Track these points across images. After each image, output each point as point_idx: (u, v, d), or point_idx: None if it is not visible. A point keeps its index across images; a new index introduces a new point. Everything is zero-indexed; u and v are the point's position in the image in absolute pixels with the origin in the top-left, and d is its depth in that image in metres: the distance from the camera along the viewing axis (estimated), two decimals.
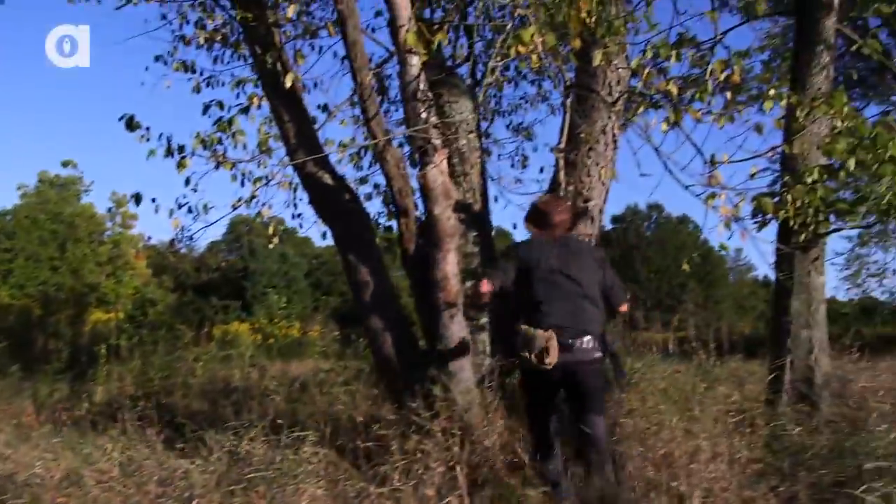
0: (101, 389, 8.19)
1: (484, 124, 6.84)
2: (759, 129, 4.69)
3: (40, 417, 7.19)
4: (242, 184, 5.76)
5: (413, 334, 5.20)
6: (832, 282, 33.40)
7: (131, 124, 5.06)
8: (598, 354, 3.96)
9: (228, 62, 6.38)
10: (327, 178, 5.35)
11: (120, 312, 22.07)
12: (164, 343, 10.77)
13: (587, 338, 3.91)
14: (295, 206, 6.31)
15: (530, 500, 3.84)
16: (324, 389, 6.36)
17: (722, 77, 4.44)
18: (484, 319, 5.17)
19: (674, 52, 4.50)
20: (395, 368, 4.87)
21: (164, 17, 6.31)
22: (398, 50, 4.66)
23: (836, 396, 5.65)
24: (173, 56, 6.31)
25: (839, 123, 5.01)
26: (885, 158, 4.82)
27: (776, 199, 5.22)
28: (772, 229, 5.81)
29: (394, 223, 5.88)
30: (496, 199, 5.95)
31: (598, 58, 4.43)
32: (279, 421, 4.60)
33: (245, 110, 5.59)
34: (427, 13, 6.11)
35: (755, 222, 5.29)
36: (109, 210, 25.29)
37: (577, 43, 4.23)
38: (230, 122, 5.38)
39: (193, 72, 6.30)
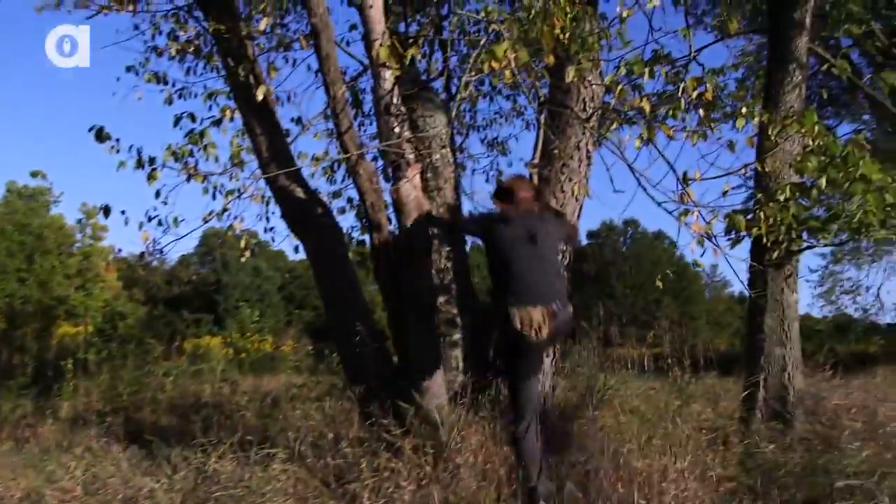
0: (67, 405, 8.07)
1: (458, 139, 6.89)
2: (731, 146, 4.74)
3: (2, 434, 7.07)
4: (214, 197, 5.75)
5: (386, 350, 5.18)
6: (806, 299, 33.77)
7: (101, 135, 5.01)
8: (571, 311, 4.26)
9: (201, 74, 6.36)
10: (300, 192, 5.33)
11: (89, 326, 21.76)
12: (133, 357, 10.61)
13: (560, 301, 4.15)
14: (267, 219, 6.30)
15: None
16: (295, 405, 6.32)
17: (695, 94, 4.49)
18: (457, 335, 5.16)
19: (647, 69, 4.55)
20: (367, 384, 4.85)
21: (136, 27, 6.28)
22: (372, 64, 4.66)
23: (810, 414, 5.70)
24: (145, 67, 6.27)
25: (811, 142, 5.08)
26: (856, 177, 4.90)
27: (749, 216, 5.27)
28: (745, 246, 5.87)
29: (367, 237, 5.88)
30: (471, 214, 5.93)
31: (571, 74, 4.47)
32: (249, 437, 4.57)
33: (217, 122, 5.58)
34: (402, 27, 6.14)
35: (728, 239, 5.35)
36: (79, 222, 24.91)
37: (550, 59, 4.26)
38: (202, 134, 5.35)
39: (165, 83, 6.27)
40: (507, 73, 4.04)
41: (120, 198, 5.28)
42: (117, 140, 5.07)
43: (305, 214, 5.34)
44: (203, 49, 6.19)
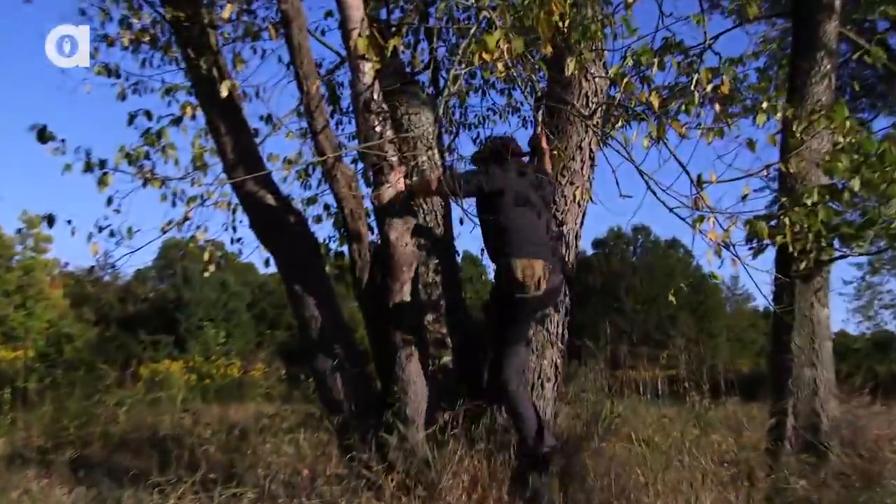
0: (3, 441, 8.02)
1: (447, 138, 6.90)
2: (751, 145, 4.74)
3: None
4: (174, 204, 5.76)
5: (367, 374, 5.19)
6: (840, 314, 33.88)
7: (43, 135, 5.00)
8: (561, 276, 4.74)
9: (158, 66, 6.36)
10: (270, 198, 5.35)
11: (30, 350, 21.66)
12: (81, 385, 10.59)
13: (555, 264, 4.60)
14: (234, 228, 6.31)
15: None
16: (266, 438, 6.31)
17: (710, 87, 4.51)
18: (447, 357, 5.18)
19: (656, 60, 4.58)
20: (346, 413, 4.86)
21: (83, 12, 6.27)
22: (349, 55, 4.70)
23: (846, 445, 5.65)
24: (94, 58, 6.27)
25: (841, 139, 5.07)
26: (894, 177, 4.89)
27: (772, 222, 5.24)
28: (769, 256, 5.88)
29: (345, 249, 5.89)
30: (461, 222, 5.96)
31: (571, 66, 4.50)
32: (213, 475, 4.56)
33: (177, 121, 5.59)
34: (383, 14, 6.16)
35: (749, 248, 5.36)
36: (19, 231, 24.91)
37: (548, 49, 4.29)
38: (159, 133, 5.36)
39: (118, 76, 6.27)
40: (500, 65, 4.08)
41: (66, 205, 5.29)
42: (62, 140, 5.06)
43: (277, 223, 5.36)
44: (160, 39, 6.20)
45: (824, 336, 5.93)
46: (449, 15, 6.18)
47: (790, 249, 5.42)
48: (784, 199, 5.39)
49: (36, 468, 5.30)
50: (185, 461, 5.91)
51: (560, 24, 4.20)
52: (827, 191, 5.32)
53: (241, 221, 6.24)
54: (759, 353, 35.96)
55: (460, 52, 4.43)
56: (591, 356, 6.04)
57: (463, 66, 4.63)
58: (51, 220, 5.13)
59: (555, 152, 5.28)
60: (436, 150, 5.37)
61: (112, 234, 5.34)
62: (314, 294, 5.18)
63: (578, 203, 5.37)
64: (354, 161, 5.81)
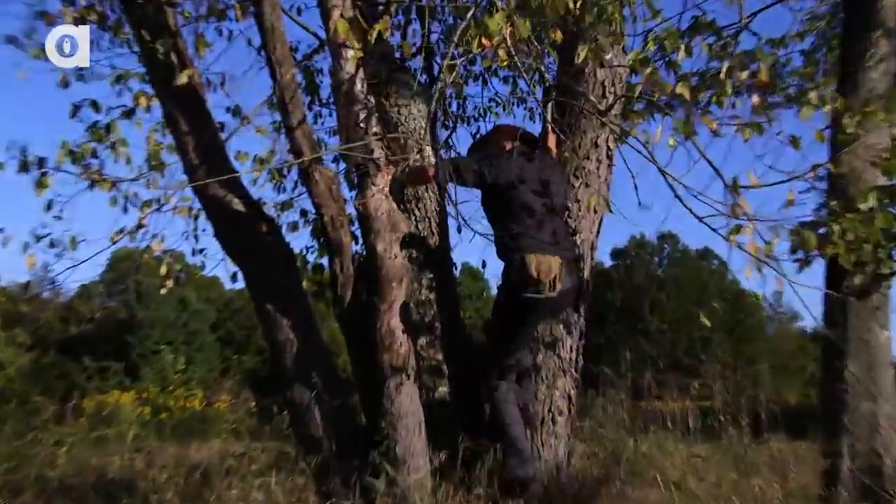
0: None
1: (443, 133, 6.95)
2: (795, 142, 4.71)
3: None
4: (126, 209, 5.77)
5: (350, 407, 5.22)
6: None
7: None
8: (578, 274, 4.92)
9: (107, 50, 6.38)
10: (238, 203, 5.37)
11: None
12: (13, 421, 10.60)
13: (572, 260, 4.81)
14: (196, 238, 6.34)
15: None
16: (232, 482, 6.31)
17: (745, 75, 4.50)
18: (443, 388, 5.22)
19: (683, 44, 4.60)
20: (326, 453, 4.88)
21: None
22: (329, 39, 4.73)
23: None
24: (31, 38, 6.28)
25: None
26: None
27: (821, 231, 5.21)
28: (818, 270, 5.84)
29: (325, 261, 5.93)
30: (459, 231, 6.02)
31: (582, 54, 4.50)
32: None
33: (129, 113, 5.62)
34: None
35: (795, 261, 5.35)
36: None
37: (557, 35, 4.33)
38: (109, 127, 5.39)
39: None
40: (502, 52, 4.12)
41: None
42: None
43: (245, 232, 5.39)
44: (109, 17, 6.23)
45: (884, 363, 5.89)
46: None
47: (843, 262, 5.37)
48: (834, 204, 5.33)
49: None
50: None
51: (571, 4, 4.23)
52: (885, 194, 5.27)
53: (203, 230, 6.28)
54: (808, 382, 35.84)
55: (456, 36, 4.46)
56: (610, 385, 6.07)
57: (460, 51, 4.67)
58: None
59: (566, 153, 5.33)
60: (429, 148, 5.41)
61: (52, 245, 5.36)
62: (289, 313, 5.20)
63: (595, 208, 5.40)
64: (336, 160, 5.86)
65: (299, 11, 6.75)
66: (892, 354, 6.01)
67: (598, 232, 5.58)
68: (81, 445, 9.69)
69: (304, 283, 5.94)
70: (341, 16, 4.57)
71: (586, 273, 5.36)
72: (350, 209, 5.10)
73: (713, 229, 4.57)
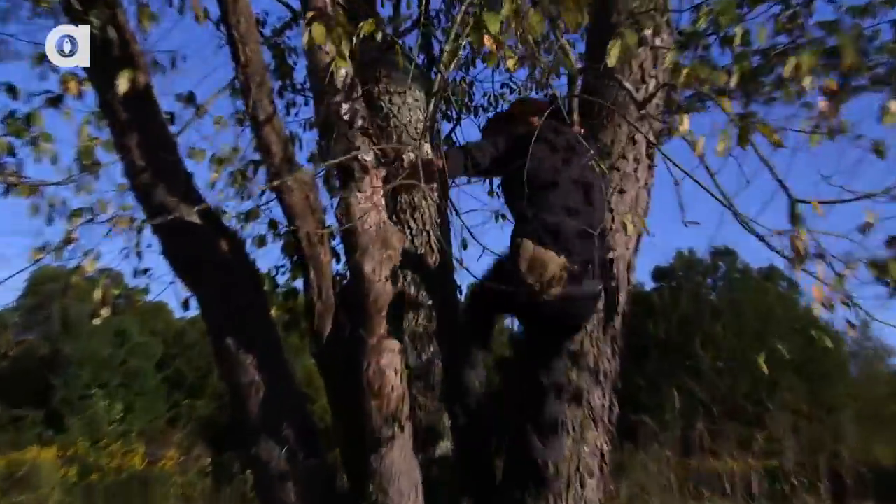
0: None
1: (446, 127, 6.97)
2: (879, 150, 4.65)
3: None
4: (51, 220, 5.78)
5: (329, 466, 5.23)
6: None
7: None
8: (600, 287, 4.95)
9: (28, 22, 6.42)
10: (191, 212, 5.39)
11: None
12: None
13: (589, 267, 4.76)
14: (139, 255, 6.33)
15: None
16: None
17: (806, 68, 4.38)
18: (445, 443, 5.22)
19: (740, 28, 4.58)
20: None
21: None
22: (305, 6, 4.74)
23: None
24: None
25: None
26: None
27: None
28: None
29: (300, 284, 5.93)
30: (465, 247, 6.02)
31: (613, 54, 4.38)
32: None
33: (55, 101, 5.63)
34: None
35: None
36: None
37: (574, 20, 4.28)
38: (29, 118, 5.40)
39: None
40: (511, 63, 4.11)
41: None
42: None
43: (201, 248, 5.40)
44: None
45: None
46: None
47: None
48: None
49: None
50: None
51: None
52: None
53: (149, 245, 6.26)
54: None
55: (451, 32, 4.46)
56: (652, 438, 6.07)
57: (457, 44, 4.66)
58: None
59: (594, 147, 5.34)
60: (428, 144, 5.41)
61: None
62: (254, 349, 5.21)
63: (632, 222, 5.41)
64: (312, 159, 5.86)
65: None
66: None
67: (637, 248, 5.58)
68: None
69: (274, 312, 5.95)
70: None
71: (623, 296, 5.38)
72: (331, 220, 5.11)
73: (776, 251, 4.53)
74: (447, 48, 4.58)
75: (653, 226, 5.59)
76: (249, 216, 6.55)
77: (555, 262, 4.55)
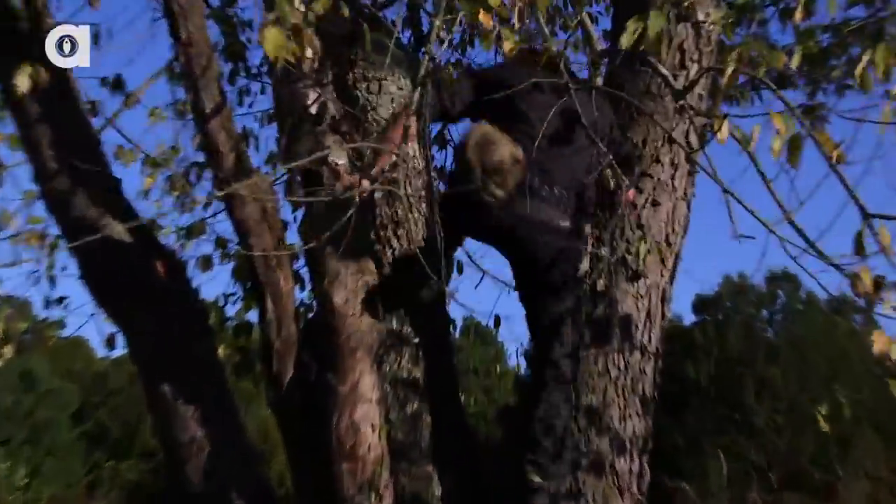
0: None
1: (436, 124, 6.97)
2: None
3: None
4: None
5: None
6: None
7: None
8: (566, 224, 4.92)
9: None
10: (119, 228, 5.38)
11: None
12: None
13: (556, 189, 4.82)
14: (52, 281, 6.35)
15: None
16: None
17: (883, 66, 4.36)
18: None
19: None
20: None
21: None
22: None
23: None
24: None
25: None
26: None
27: None
28: None
29: (254, 317, 5.93)
30: (461, 270, 6.03)
31: (628, 35, 4.35)
32: None
33: None
34: None
35: None
36: None
37: None
38: None
39: None
40: (508, 43, 4.11)
41: None
42: None
43: (131, 272, 5.40)
44: None
45: None
46: None
47: None
48: None
49: None
50: None
51: None
52: None
53: (64, 268, 6.29)
54: None
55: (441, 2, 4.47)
56: None
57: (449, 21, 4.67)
58: None
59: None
60: (416, 145, 5.42)
61: None
62: (196, 397, 5.21)
63: (669, 241, 5.42)
64: (271, 161, 5.87)
65: None
66: None
67: (674, 273, 5.60)
68: None
69: (222, 351, 5.94)
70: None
71: (655, 332, 5.39)
72: (293, 238, 5.11)
73: (843, 271, 4.49)
74: (438, 22, 4.57)
75: (693, 244, 5.59)
76: (191, 232, 6.57)
77: (506, 146, 4.59)
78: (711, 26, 5.50)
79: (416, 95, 4.55)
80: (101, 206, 5.31)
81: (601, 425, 5.20)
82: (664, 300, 5.51)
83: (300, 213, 5.35)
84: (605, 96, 5.08)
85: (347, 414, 4.76)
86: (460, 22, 5.29)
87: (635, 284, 5.34)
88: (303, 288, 5.21)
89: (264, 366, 5.18)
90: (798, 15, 5.00)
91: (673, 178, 5.48)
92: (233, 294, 6.56)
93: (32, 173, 5.44)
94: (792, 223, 4.48)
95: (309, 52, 4.68)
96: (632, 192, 5.10)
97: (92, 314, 5.61)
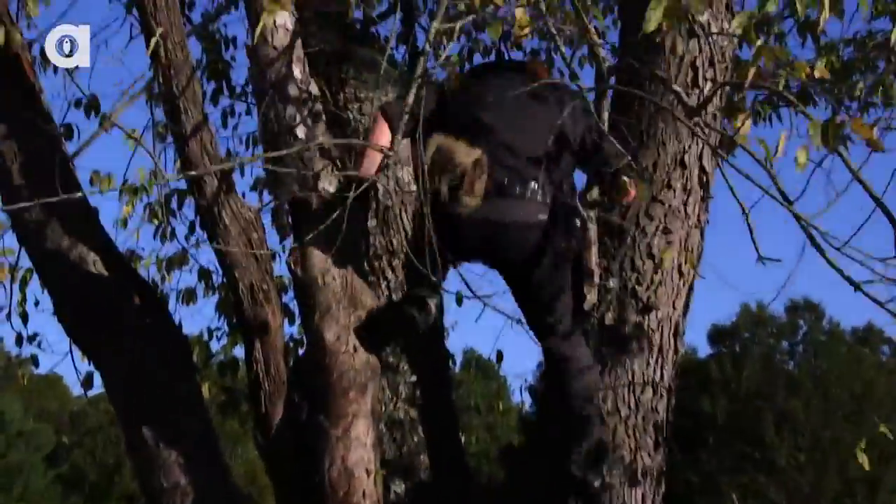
0: None
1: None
2: None
3: None
4: None
5: None
6: None
7: None
8: (544, 217, 4.82)
9: None
10: (94, 257, 5.37)
11: None
12: None
13: (532, 184, 4.77)
14: (24, 317, 6.33)
15: None
16: None
17: None
18: None
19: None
20: None
21: None
22: None
23: None
24: None
25: None
26: None
27: None
28: None
29: (241, 353, 5.91)
30: (459, 302, 6.02)
31: (653, 20, 4.38)
32: None
33: None
34: None
35: None
36: None
37: None
38: None
39: None
40: (521, 15, 4.10)
41: None
42: None
43: (108, 307, 5.39)
44: None
45: None
46: None
47: None
48: None
49: None
50: None
51: None
52: None
53: (37, 303, 6.28)
54: None
55: None
56: None
57: (457, 8, 4.66)
58: None
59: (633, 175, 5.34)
60: (410, 166, 5.40)
61: None
62: (179, 440, 5.19)
63: (680, 270, 5.42)
64: (257, 187, 5.86)
65: None
66: None
67: (687, 306, 5.60)
68: None
69: (206, 390, 5.93)
70: None
71: (669, 369, 5.38)
72: (281, 270, 5.09)
73: (880, 304, 4.44)
74: (436, 25, 4.56)
75: (708, 269, 5.59)
76: (173, 263, 6.55)
77: (463, 152, 4.59)
78: (725, 42, 5.51)
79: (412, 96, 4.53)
80: (75, 236, 5.31)
81: (612, 462, 5.19)
82: (677, 334, 5.50)
83: (288, 242, 5.31)
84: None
85: (340, 458, 4.73)
86: (458, 35, 5.29)
87: (646, 317, 5.34)
88: (292, 322, 5.18)
89: (252, 406, 5.16)
90: (822, 21, 4.98)
91: (685, 203, 5.48)
92: (218, 329, 6.55)
93: (1, 201, 5.43)
94: (817, 246, 4.47)
95: (297, 69, 4.71)
96: (633, 193, 5.06)
97: (67, 352, 5.60)
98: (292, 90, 4.74)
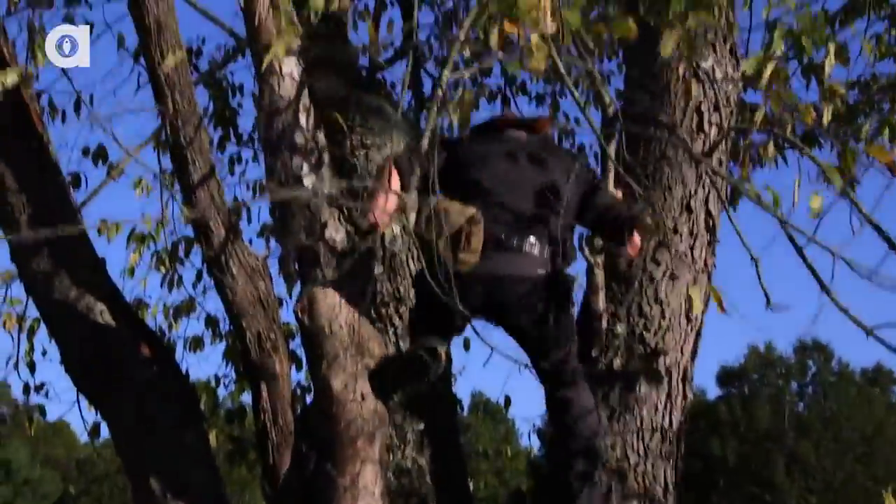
0: None
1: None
2: None
3: None
4: None
5: None
6: None
7: None
8: (542, 271, 4.83)
9: None
10: (101, 306, 5.37)
11: None
12: None
13: (531, 238, 4.81)
14: (31, 366, 6.32)
15: None
16: None
17: None
18: None
19: (833, 45, 4.60)
20: None
21: None
22: (252, 40, 4.76)
23: None
24: None
25: None
26: None
27: None
28: None
29: (248, 400, 5.90)
30: (467, 347, 6.01)
31: (668, 45, 4.37)
32: None
33: None
34: None
35: None
36: None
37: (628, 27, 4.31)
38: None
39: None
40: (537, 55, 4.09)
41: None
42: None
43: (115, 356, 5.38)
44: None
45: None
46: None
47: None
48: None
49: None
50: None
51: None
52: None
53: (44, 352, 6.27)
54: None
55: (465, 23, 4.44)
56: None
57: (466, 53, 4.66)
58: None
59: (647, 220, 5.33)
60: (413, 215, 5.40)
61: None
62: (186, 490, 5.18)
63: (687, 315, 5.42)
64: (264, 234, 5.85)
65: None
66: None
67: (695, 351, 5.60)
68: None
69: (213, 439, 5.91)
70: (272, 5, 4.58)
71: (677, 413, 5.36)
72: (288, 317, 5.08)
73: (891, 349, 4.41)
74: (446, 73, 4.54)
75: (714, 308, 5.55)
76: (180, 311, 6.54)
77: (457, 210, 4.62)
78: (730, 86, 5.51)
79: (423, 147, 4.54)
80: (83, 286, 5.30)
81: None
82: (685, 379, 5.48)
83: (296, 290, 5.31)
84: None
85: None
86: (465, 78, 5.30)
87: (654, 363, 5.32)
88: (299, 368, 5.17)
89: (259, 455, 5.15)
90: (828, 65, 4.98)
91: (692, 248, 5.48)
92: (225, 376, 6.53)
93: (9, 251, 5.43)
94: (826, 291, 4.46)
95: (303, 117, 4.71)
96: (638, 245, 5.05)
97: (75, 401, 5.59)
98: (299, 139, 4.75)
